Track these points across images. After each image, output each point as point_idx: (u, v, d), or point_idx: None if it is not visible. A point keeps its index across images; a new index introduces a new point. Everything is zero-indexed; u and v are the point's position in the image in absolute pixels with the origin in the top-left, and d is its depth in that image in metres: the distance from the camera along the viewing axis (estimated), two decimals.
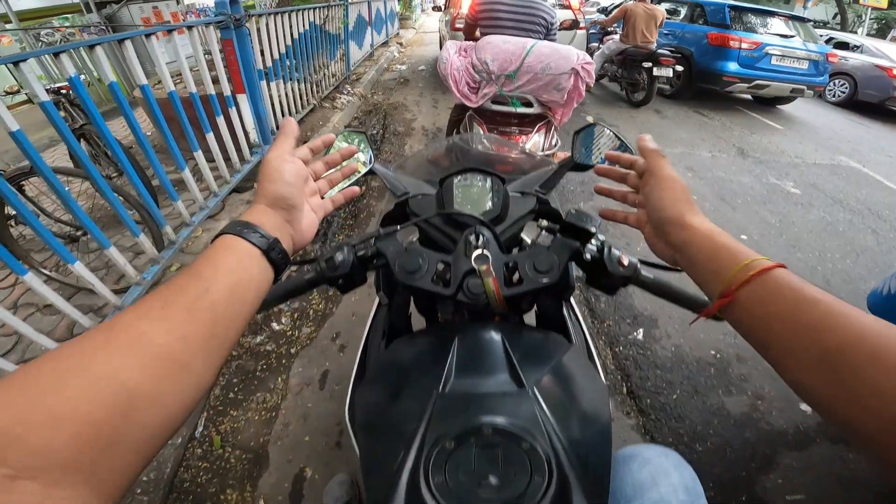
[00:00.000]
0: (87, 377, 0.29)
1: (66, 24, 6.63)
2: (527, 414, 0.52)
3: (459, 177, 0.81)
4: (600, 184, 0.68)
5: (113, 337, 0.32)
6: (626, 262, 0.69)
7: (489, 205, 0.78)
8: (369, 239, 0.73)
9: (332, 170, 0.60)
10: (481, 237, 0.69)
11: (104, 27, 5.73)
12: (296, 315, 2.15)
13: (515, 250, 0.93)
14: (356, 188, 0.63)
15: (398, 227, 0.74)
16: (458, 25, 4.87)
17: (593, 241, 0.70)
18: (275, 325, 2.07)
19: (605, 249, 0.70)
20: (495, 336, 0.63)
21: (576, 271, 0.78)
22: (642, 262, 0.71)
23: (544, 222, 0.78)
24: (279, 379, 1.82)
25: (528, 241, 0.95)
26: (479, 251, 0.66)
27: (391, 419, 0.57)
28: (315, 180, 0.58)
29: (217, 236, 0.45)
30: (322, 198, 0.59)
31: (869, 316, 0.35)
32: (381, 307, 0.95)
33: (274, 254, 0.45)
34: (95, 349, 0.31)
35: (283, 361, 1.90)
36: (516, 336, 0.66)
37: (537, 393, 0.54)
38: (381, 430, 0.57)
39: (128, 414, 0.30)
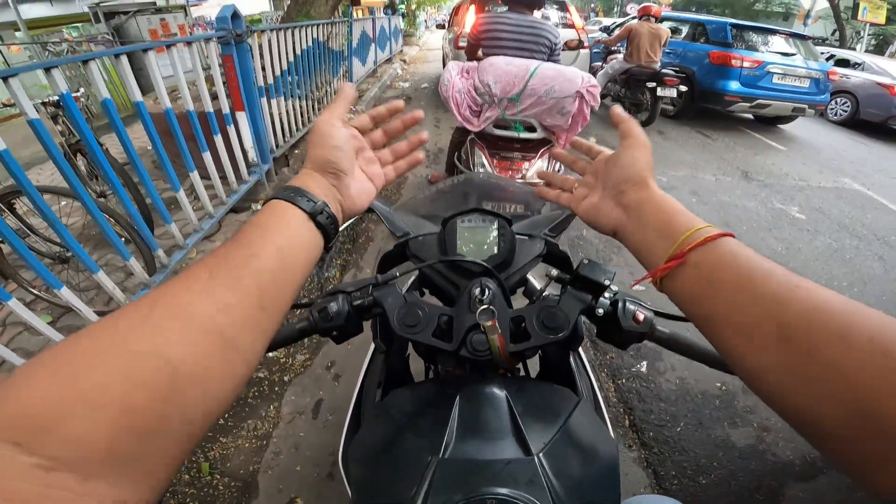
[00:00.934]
0: (125, 356, 0.27)
1: (75, 34, 6.72)
2: (533, 483, 0.49)
3: (463, 218, 0.78)
4: (542, 188, 0.68)
5: (156, 310, 0.30)
6: (641, 318, 0.65)
7: (494, 249, 0.75)
8: (366, 287, 0.70)
9: (395, 141, 0.59)
10: (487, 290, 0.66)
11: (111, 38, 5.77)
12: None
13: (520, 290, 0.89)
14: (420, 155, 0.61)
15: (397, 273, 0.70)
16: (461, 44, 4.89)
17: (606, 294, 0.67)
18: (269, 353, 2.02)
19: (620, 304, 0.66)
20: (499, 394, 0.60)
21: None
22: (657, 314, 0.66)
23: (554, 272, 0.74)
24: (271, 407, 1.80)
25: (534, 280, 0.91)
26: (484, 306, 0.62)
27: (387, 484, 0.54)
28: (375, 149, 0.57)
29: (265, 202, 0.44)
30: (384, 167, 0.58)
31: (831, 290, 0.32)
32: (376, 354, 0.91)
33: (322, 218, 0.43)
34: (134, 324, 0.29)
35: (276, 389, 1.88)
36: (522, 393, 0.62)
37: (544, 460, 0.52)
38: (376, 496, 0.54)
39: (170, 397, 0.28)
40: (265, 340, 0.37)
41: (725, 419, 1.86)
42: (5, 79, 1.27)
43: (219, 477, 1.54)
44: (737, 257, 0.38)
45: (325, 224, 0.44)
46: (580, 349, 0.86)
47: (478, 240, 0.76)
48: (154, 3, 7.26)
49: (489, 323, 0.60)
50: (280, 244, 0.38)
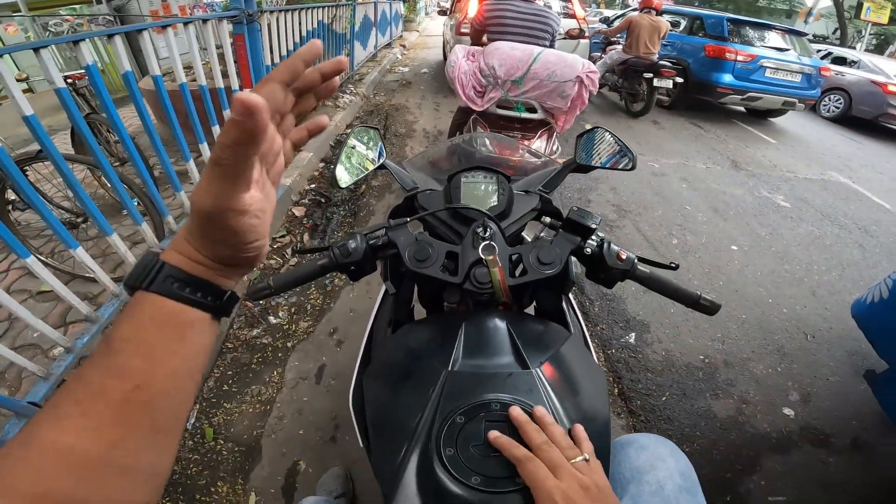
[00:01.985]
0: (19, 500, 0.24)
1: (75, 14, 6.64)
2: (532, 392, 0.55)
3: (466, 174, 0.85)
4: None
5: (32, 452, 0.26)
6: (624, 257, 0.73)
7: (494, 201, 0.82)
8: (380, 229, 0.77)
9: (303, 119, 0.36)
10: (488, 230, 0.73)
11: (112, 18, 5.74)
12: (293, 309, 2.16)
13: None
14: (324, 119, 0.36)
15: (408, 219, 0.78)
16: (463, 30, 4.90)
17: (594, 237, 0.75)
18: (272, 319, 2.08)
19: (605, 245, 0.74)
20: (500, 323, 0.67)
21: (576, 268, 0.82)
22: (640, 259, 0.75)
23: (547, 219, 0.82)
24: (275, 372, 1.83)
25: (530, 239, 1.00)
26: (486, 242, 0.70)
27: (402, 397, 0.60)
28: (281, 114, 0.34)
29: (137, 287, 0.31)
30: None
31: None
32: (386, 297, 0.99)
33: (227, 308, 0.34)
34: (15, 467, 0.26)
35: (280, 355, 1.91)
36: (520, 324, 0.69)
37: (541, 374, 0.58)
38: (391, 407, 0.60)
39: None
40: (173, 447, 0.32)
41: (708, 391, 1.93)
42: (37, 50, 1.33)
43: (223, 442, 1.56)
44: None
45: (229, 310, 0.34)
46: (570, 296, 0.95)
47: (479, 193, 0.83)
48: None
49: (490, 257, 0.67)
50: (175, 367, 0.30)
